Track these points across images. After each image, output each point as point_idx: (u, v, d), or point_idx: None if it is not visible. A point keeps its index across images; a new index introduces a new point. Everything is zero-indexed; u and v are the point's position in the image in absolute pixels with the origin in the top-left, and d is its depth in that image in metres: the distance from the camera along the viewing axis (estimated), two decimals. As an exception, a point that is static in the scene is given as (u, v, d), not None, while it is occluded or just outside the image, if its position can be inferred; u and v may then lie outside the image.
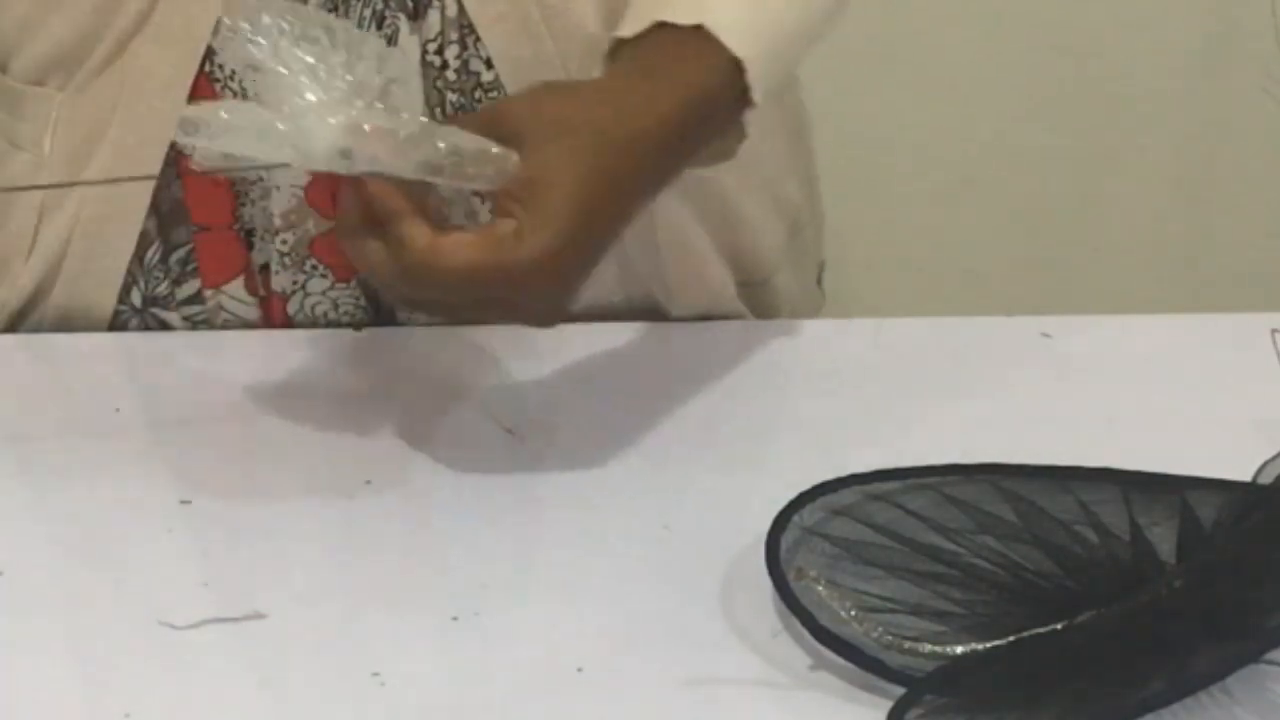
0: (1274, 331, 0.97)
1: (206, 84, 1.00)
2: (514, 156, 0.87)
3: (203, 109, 0.87)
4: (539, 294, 0.88)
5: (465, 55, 1.01)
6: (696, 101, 0.91)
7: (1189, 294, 2.18)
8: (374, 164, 0.86)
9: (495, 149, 0.88)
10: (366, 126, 0.86)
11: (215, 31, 0.99)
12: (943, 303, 2.05)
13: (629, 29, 0.93)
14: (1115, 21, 2.12)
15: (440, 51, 1.00)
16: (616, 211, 0.89)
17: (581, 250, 0.88)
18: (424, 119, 0.89)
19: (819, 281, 1.22)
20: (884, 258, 2.13)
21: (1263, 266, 2.18)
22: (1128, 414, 1.00)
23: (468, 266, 0.86)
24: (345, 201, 0.88)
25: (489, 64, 1.01)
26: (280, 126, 0.85)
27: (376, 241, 0.87)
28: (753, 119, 0.94)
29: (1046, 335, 1.06)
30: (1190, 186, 2.22)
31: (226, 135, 0.86)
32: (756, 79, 0.93)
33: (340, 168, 0.86)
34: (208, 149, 0.87)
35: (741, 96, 0.93)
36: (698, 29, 0.92)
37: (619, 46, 0.94)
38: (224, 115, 0.86)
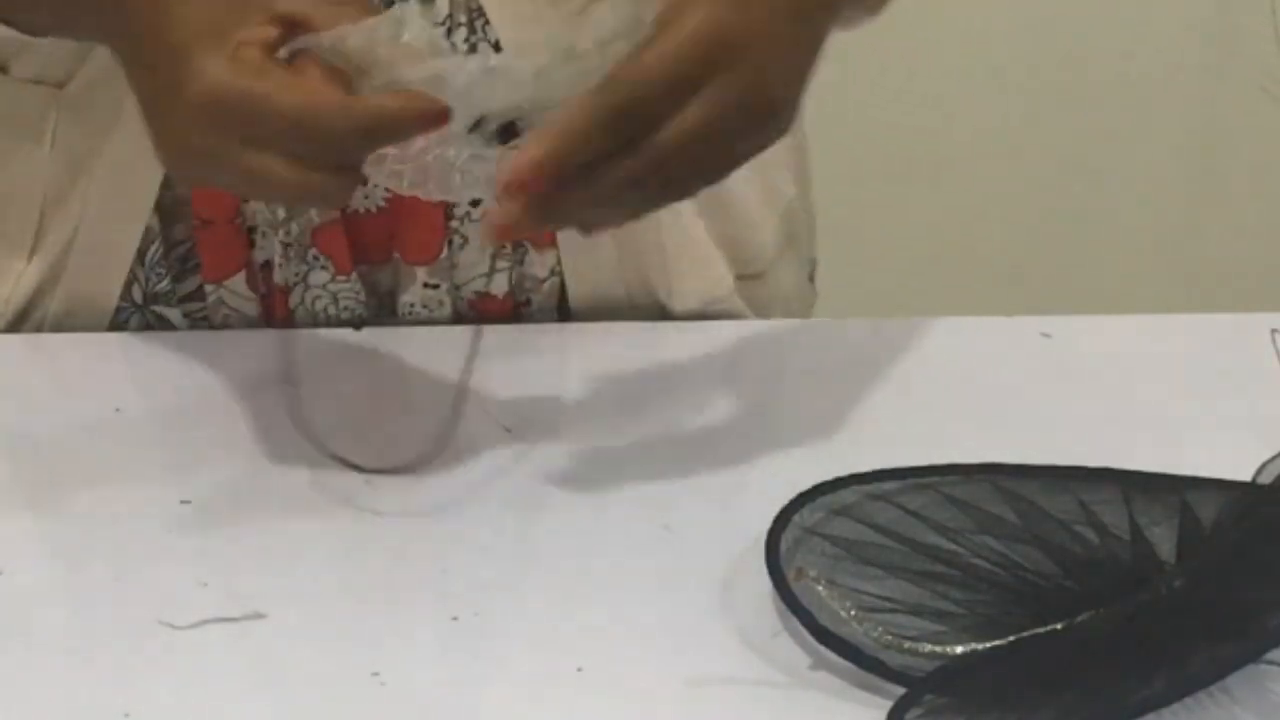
0: (1274, 331, 0.97)
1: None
2: None
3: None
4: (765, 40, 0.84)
5: (473, 39, 1.01)
6: None
7: (1189, 294, 2.18)
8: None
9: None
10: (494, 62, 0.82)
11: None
12: (942, 303, 2.05)
13: None
14: (1115, 21, 2.13)
15: (449, 35, 1.00)
16: None
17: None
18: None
19: (811, 279, 1.22)
20: (883, 257, 2.13)
21: (1263, 266, 2.18)
22: (1128, 414, 1.00)
23: (678, 35, 0.82)
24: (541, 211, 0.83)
25: (497, 47, 1.00)
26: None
27: (573, 188, 0.82)
28: None
29: (1046, 335, 1.06)
30: (1190, 186, 2.22)
31: None
32: None
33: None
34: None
35: None
36: None
37: None
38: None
